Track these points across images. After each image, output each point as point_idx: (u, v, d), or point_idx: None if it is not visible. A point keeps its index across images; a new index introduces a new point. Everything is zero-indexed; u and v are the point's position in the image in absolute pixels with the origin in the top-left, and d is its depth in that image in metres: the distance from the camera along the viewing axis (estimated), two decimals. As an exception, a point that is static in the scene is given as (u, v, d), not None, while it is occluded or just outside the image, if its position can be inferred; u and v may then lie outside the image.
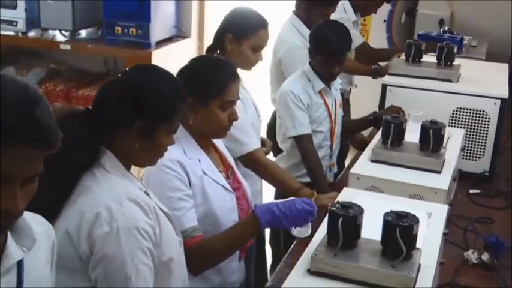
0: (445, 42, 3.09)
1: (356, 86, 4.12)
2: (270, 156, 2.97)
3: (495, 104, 2.73)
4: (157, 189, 1.79)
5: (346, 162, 3.44)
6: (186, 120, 1.88)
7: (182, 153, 1.97)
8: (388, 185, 2.06)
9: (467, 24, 4.46)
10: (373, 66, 3.72)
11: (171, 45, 4.43)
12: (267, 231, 3.18)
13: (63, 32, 4.34)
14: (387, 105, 2.85)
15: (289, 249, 2.20)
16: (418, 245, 1.53)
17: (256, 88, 3.22)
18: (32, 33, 4.44)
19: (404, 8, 4.92)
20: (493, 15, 4.45)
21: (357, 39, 3.69)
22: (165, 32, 4.40)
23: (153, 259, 1.60)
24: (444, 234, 1.76)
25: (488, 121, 2.75)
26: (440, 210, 1.85)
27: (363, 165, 2.19)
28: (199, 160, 2.01)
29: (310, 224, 1.83)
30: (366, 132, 3.21)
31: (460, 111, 2.77)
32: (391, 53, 3.51)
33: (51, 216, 1.57)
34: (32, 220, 1.28)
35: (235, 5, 2.83)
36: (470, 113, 2.76)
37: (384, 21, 4.90)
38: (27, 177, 1.11)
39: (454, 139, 2.44)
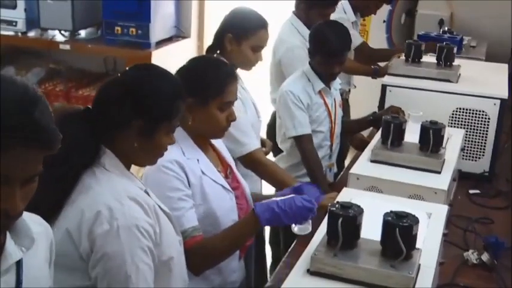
0: (444, 43, 3.09)
1: (355, 87, 4.13)
2: (270, 156, 2.97)
3: (495, 104, 2.73)
4: (156, 190, 1.79)
5: (346, 163, 3.44)
6: (184, 120, 1.89)
7: (180, 154, 1.97)
8: (388, 185, 2.06)
9: (466, 25, 4.46)
10: (372, 67, 3.72)
11: (171, 45, 4.44)
12: (267, 231, 3.18)
13: (62, 32, 4.34)
14: (387, 105, 2.85)
15: (289, 249, 2.20)
16: (417, 245, 1.53)
17: (256, 88, 3.22)
18: (31, 33, 4.44)
19: (404, 9, 4.92)
20: (493, 15, 4.45)
21: (356, 40, 3.70)
22: (165, 32, 4.41)
23: (153, 258, 1.60)
24: (444, 234, 1.76)
25: (488, 121, 2.74)
26: (440, 211, 1.85)
27: (363, 166, 2.19)
28: (198, 160, 2.01)
29: (310, 221, 1.82)
30: (365, 133, 3.21)
31: (459, 112, 2.77)
32: (391, 53, 3.51)
33: (51, 215, 1.57)
34: (31, 220, 1.28)
35: (235, 5, 2.83)
36: (470, 113, 2.76)
37: (384, 21, 4.90)
38: (26, 177, 1.11)
39: (453, 139, 2.44)
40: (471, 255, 2.15)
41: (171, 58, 4.02)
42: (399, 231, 1.48)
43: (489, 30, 4.42)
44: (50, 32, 4.41)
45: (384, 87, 2.89)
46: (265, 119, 3.26)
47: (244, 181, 2.23)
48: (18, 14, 4.33)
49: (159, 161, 1.78)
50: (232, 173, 2.18)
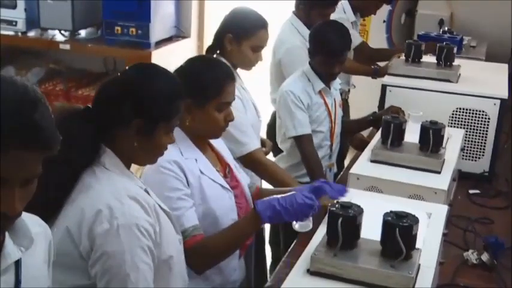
0: (444, 43, 3.09)
1: (354, 87, 4.13)
2: (270, 156, 2.97)
3: (495, 104, 2.73)
4: (155, 190, 1.79)
5: (346, 163, 3.44)
6: (182, 121, 1.89)
7: (179, 154, 1.97)
8: (388, 185, 2.06)
9: (466, 25, 4.46)
10: (372, 67, 3.72)
11: (171, 45, 4.43)
12: (267, 231, 3.18)
13: (62, 31, 4.34)
14: (387, 105, 2.85)
15: (289, 249, 2.20)
16: (417, 245, 1.54)
17: (256, 88, 3.22)
18: (31, 33, 4.44)
19: (404, 9, 4.93)
20: (493, 15, 4.45)
21: (355, 39, 3.70)
22: (165, 32, 4.40)
23: (152, 257, 1.60)
24: (444, 234, 1.76)
25: (488, 121, 2.74)
26: (440, 211, 1.85)
27: (363, 166, 2.19)
28: (196, 160, 2.01)
29: (311, 218, 1.83)
30: (365, 133, 3.21)
31: (459, 112, 2.77)
32: (391, 53, 3.52)
33: (52, 214, 1.58)
34: (30, 220, 1.28)
35: (235, 5, 2.83)
36: (469, 113, 2.76)
37: (384, 21, 4.90)
38: (25, 179, 1.11)
39: (453, 139, 2.44)
40: (471, 255, 2.15)
41: (171, 58, 4.02)
42: (399, 231, 1.48)
43: (489, 30, 4.42)
44: (50, 32, 4.41)
45: (383, 87, 2.89)
46: (265, 119, 3.26)
47: (243, 180, 2.23)
48: (18, 14, 4.33)
49: (157, 162, 1.78)
50: (231, 172, 2.18)
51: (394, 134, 2.22)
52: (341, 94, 3.14)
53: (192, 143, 2.04)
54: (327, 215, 1.57)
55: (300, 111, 2.77)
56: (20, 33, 4.40)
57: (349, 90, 4.04)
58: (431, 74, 2.93)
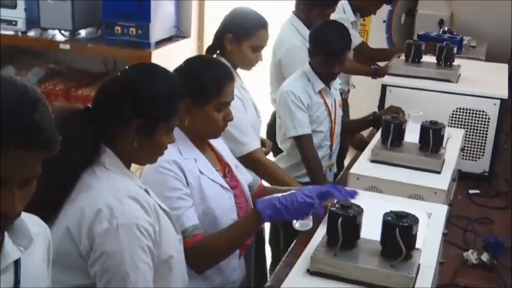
0: (444, 43, 3.09)
1: (354, 87, 4.13)
2: (270, 156, 2.97)
3: (495, 104, 2.73)
4: (155, 191, 1.79)
5: (346, 163, 3.44)
6: (181, 121, 1.89)
7: (178, 154, 1.97)
8: (388, 185, 2.06)
9: (466, 25, 4.46)
10: (372, 67, 3.72)
11: (171, 45, 4.43)
12: (267, 231, 3.18)
13: (62, 31, 4.34)
14: (387, 105, 2.85)
15: (289, 249, 2.20)
16: (417, 245, 1.54)
17: (256, 88, 3.22)
18: (31, 33, 4.44)
19: (404, 9, 4.93)
20: (493, 15, 4.45)
21: (355, 39, 3.69)
22: (165, 32, 4.40)
23: (152, 257, 1.60)
24: (444, 234, 1.76)
25: (488, 121, 2.74)
26: (440, 211, 1.85)
27: (363, 166, 2.19)
28: (195, 160, 2.02)
29: (311, 216, 1.83)
30: (365, 133, 3.21)
31: (459, 112, 2.77)
32: (391, 53, 3.51)
33: (52, 214, 1.58)
34: (29, 220, 1.28)
35: (235, 5, 2.83)
36: (469, 113, 2.76)
37: (384, 21, 4.90)
38: (25, 179, 1.11)
39: (453, 139, 2.44)
40: (471, 255, 2.15)
41: (171, 58, 4.01)
42: (399, 231, 1.48)
43: (489, 30, 4.42)
44: (50, 31, 4.41)
45: (383, 87, 2.89)
46: (265, 119, 3.26)
47: (243, 180, 2.23)
48: (18, 14, 4.33)
49: (157, 162, 1.78)
50: (230, 172, 2.18)
51: (394, 134, 2.22)
52: (341, 94, 3.14)
53: (191, 143, 2.04)
54: (327, 215, 1.57)
55: (300, 111, 2.77)
56: (20, 33, 4.40)
57: (348, 90, 4.04)
58: (431, 74, 2.93)
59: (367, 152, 2.28)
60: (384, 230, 1.52)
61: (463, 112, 2.77)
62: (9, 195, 1.09)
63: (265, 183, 2.65)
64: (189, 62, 2.10)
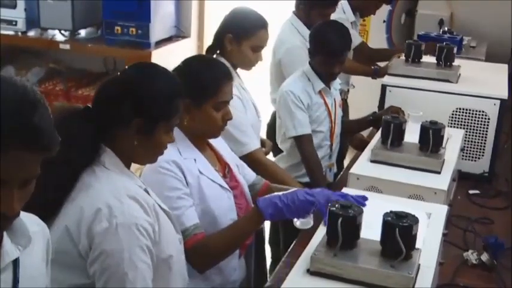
0: (444, 43, 3.09)
1: (354, 87, 4.13)
2: (270, 156, 2.97)
3: (495, 104, 2.73)
4: (155, 191, 1.79)
5: (346, 163, 3.44)
6: (180, 120, 1.89)
7: (177, 154, 1.97)
8: (388, 185, 2.06)
9: (466, 25, 4.46)
10: (372, 67, 3.72)
11: (171, 45, 4.43)
12: (267, 231, 3.18)
13: (62, 31, 4.34)
14: (387, 105, 2.85)
15: (289, 249, 2.20)
16: (417, 245, 1.53)
17: (256, 88, 3.22)
18: (31, 33, 4.44)
19: (404, 9, 4.93)
20: (493, 15, 4.45)
21: (355, 39, 3.69)
22: (165, 31, 4.40)
23: (151, 257, 1.60)
24: (444, 234, 1.76)
25: (488, 122, 2.74)
26: (440, 211, 1.85)
27: (363, 166, 2.19)
28: (195, 160, 2.02)
29: (312, 215, 1.83)
30: (365, 133, 3.21)
31: (459, 112, 2.77)
32: (391, 54, 3.51)
33: (51, 213, 1.58)
34: (28, 219, 1.28)
35: (235, 5, 2.83)
36: (469, 113, 2.76)
37: (384, 21, 4.90)
38: (24, 180, 1.11)
39: (453, 139, 2.44)
40: (471, 256, 2.15)
41: (171, 58, 4.00)
42: (399, 231, 1.48)
43: (489, 30, 4.42)
44: (50, 31, 4.41)
45: (383, 87, 2.89)
46: (265, 119, 3.26)
47: (243, 180, 2.23)
48: (18, 14, 4.33)
49: (156, 162, 1.78)
50: (230, 172, 2.18)
51: (394, 134, 2.22)
52: (340, 94, 3.14)
53: (190, 143, 2.04)
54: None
55: (300, 111, 2.77)
56: (20, 33, 4.39)
57: (348, 90, 4.04)
58: (431, 74, 2.93)
59: (367, 152, 2.28)
60: (384, 230, 1.52)
61: (463, 112, 2.77)
62: (8, 196, 1.09)
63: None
64: (187, 62, 2.11)
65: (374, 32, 4.95)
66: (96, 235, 1.54)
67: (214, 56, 2.70)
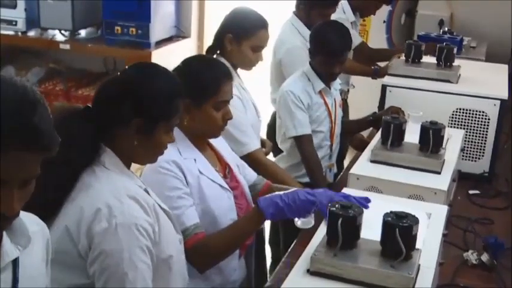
0: (444, 43, 3.09)
1: (354, 87, 4.13)
2: (270, 156, 2.97)
3: (495, 104, 2.73)
4: (155, 191, 1.79)
5: (346, 163, 3.44)
6: (180, 120, 1.89)
7: (177, 154, 1.97)
8: (388, 185, 2.06)
9: (466, 25, 4.46)
10: (372, 67, 3.72)
11: (171, 45, 4.43)
12: (267, 231, 3.18)
13: (62, 31, 4.34)
14: (387, 105, 2.85)
15: (289, 249, 2.20)
16: (417, 245, 1.53)
17: (256, 88, 3.22)
18: (31, 33, 4.44)
19: (404, 9, 4.93)
20: (493, 15, 4.45)
21: (355, 40, 3.69)
22: (165, 31, 4.40)
23: (151, 257, 1.60)
24: (444, 234, 1.76)
25: (488, 122, 2.74)
26: (440, 211, 1.85)
27: (363, 166, 2.19)
28: (195, 160, 2.02)
29: (313, 214, 1.83)
30: (365, 133, 3.21)
31: (459, 112, 2.77)
32: (391, 54, 3.51)
33: (51, 213, 1.58)
34: (27, 219, 1.28)
35: (235, 5, 2.83)
36: (469, 113, 2.76)
37: (384, 21, 4.90)
38: (24, 180, 1.11)
39: (453, 140, 2.44)
40: (471, 256, 2.15)
41: (171, 58, 4.00)
42: (399, 232, 1.48)
43: (489, 30, 4.42)
44: (50, 31, 4.41)
45: (383, 88, 2.89)
46: (265, 119, 3.26)
47: (244, 180, 2.23)
48: (18, 14, 4.33)
49: (156, 162, 1.78)
50: (231, 172, 2.18)
51: (394, 134, 2.22)
52: (340, 94, 3.14)
53: (190, 143, 2.04)
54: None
55: (300, 111, 2.77)
56: (20, 33, 4.39)
57: (348, 91, 4.04)
58: (431, 74, 2.93)
59: (367, 152, 2.28)
60: (384, 230, 1.52)
61: (463, 112, 2.77)
62: (8, 196, 1.09)
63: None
64: (187, 62, 2.11)
65: (374, 32, 4.94)
66: (95, 235, 1.54)
67: (215, 56, 2.70)
